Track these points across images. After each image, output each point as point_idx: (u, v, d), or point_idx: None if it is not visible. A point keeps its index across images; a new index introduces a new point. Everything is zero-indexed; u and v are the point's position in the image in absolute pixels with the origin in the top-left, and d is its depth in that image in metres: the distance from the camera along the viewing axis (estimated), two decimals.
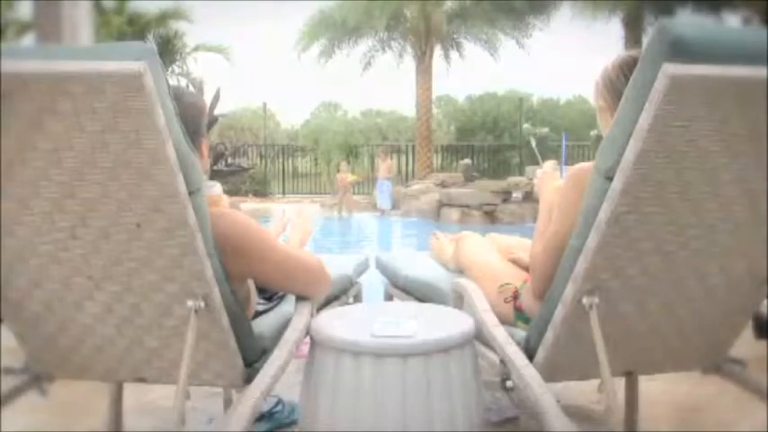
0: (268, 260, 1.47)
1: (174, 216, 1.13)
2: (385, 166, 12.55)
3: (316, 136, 15.76)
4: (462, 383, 1.36)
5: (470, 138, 19.14)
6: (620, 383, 1.76)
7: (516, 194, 10.16)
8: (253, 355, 1.40)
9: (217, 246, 1.29)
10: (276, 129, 23.87)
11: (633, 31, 14.21)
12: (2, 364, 1.41)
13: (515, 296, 1.65)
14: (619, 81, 1.41)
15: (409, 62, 16.62)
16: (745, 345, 1.59)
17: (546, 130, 16.27)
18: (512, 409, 2.00)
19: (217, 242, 1.29)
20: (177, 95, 1.31)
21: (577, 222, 1.30)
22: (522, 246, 1.98)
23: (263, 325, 1.54)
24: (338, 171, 12.69)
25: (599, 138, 1.66)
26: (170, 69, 16.89)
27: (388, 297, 2.50)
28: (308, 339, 1.50)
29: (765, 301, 1.47)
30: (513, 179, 10.64)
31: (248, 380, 1.34)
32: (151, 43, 15.97)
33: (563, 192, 1.46)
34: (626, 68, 1.41)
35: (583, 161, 1.51)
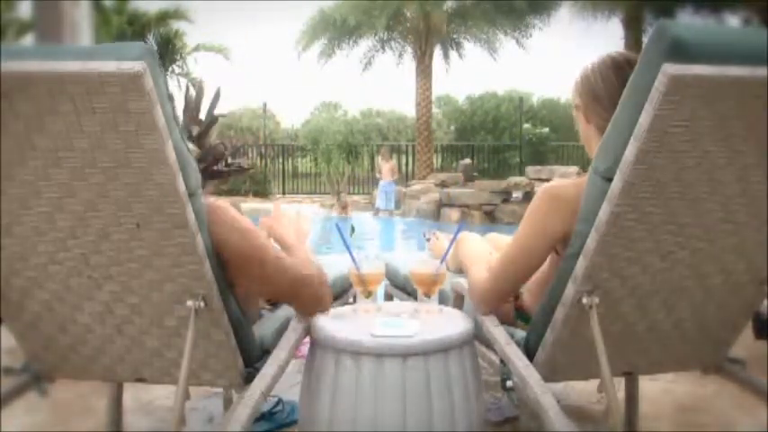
0: (268, 269, 1.37)
1: (174, 216, 1.13)
2: (388, 167, 12.51)
3: (316, 136, 15.75)
4: (462, 383, 1.36)
5: (470, 138, 19.13)
6: (620, 383, 1.77)
7: (516, 194, 10.16)
8: (253, 356, 1.40)
9: (215, 250, 1.26)
10: (276, 129, 23.86)
11: (633, 32, 14.22)
12: (2, 365, 1.41)
13: (516, 295, 1.65)
14: (596, 83, 1.41)
15: (409, 62, 16.65)
16: (745, 345, 1.59)
17: (546, 130, 16.27)
18: (512, 409, 2.00)
19: (216, 248, 1.27)
20: None
21: (577, 223, 1.30)
22: None
23: (263, 325, 1.54)
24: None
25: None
26: (170, 69, 16.90)
27: (388, 297, 2.50)
28: (307, 339, 1.50)
29: (765, 301, 1.47)
30: (513, 179, 10.64)
31: (248, 380, 1.34)
32: (151, 43, 16.00)
33: (530, 208, 1.45)
34: (605, 70, 1.41)
35: (582, 162, 1.51)
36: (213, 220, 1.27)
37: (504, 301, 1.58)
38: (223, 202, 1.38)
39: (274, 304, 1.72)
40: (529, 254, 1.44)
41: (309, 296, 1.47)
